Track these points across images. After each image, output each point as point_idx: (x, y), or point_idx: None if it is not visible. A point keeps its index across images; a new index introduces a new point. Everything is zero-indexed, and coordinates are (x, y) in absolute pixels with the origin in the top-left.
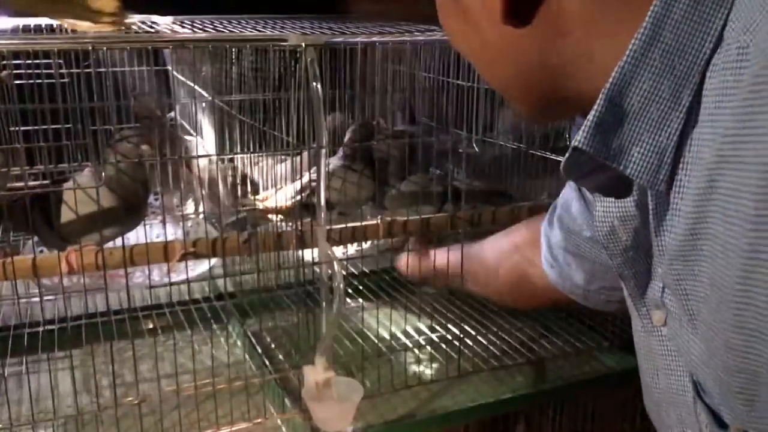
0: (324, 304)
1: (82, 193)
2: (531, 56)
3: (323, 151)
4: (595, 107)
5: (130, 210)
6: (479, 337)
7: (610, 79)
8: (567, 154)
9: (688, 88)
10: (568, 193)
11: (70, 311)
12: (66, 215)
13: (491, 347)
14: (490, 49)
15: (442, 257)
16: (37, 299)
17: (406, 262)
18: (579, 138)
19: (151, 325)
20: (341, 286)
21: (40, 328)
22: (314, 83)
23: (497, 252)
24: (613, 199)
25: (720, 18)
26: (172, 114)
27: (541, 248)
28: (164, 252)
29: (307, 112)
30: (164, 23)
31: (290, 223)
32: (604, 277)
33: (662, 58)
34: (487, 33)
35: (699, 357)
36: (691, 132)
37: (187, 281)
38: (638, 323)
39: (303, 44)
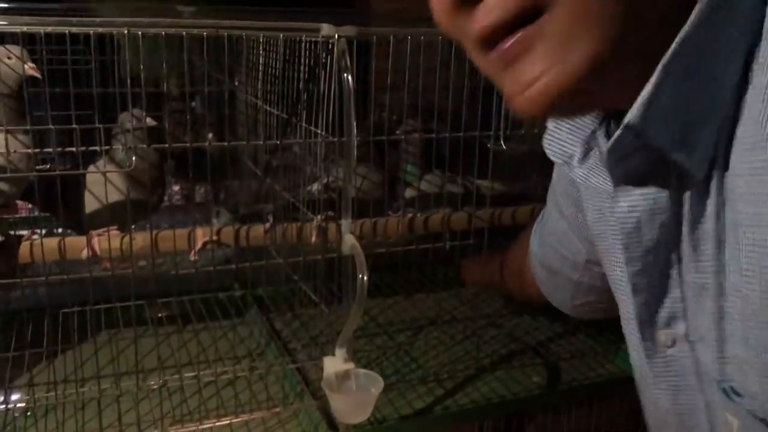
0: (346, 296)
1: (99, 179)
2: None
3: (353, 143)
4: (653, 79)
5: (142, 196)
6: (496, 336)
7: (673, 46)
8: (617, 134)
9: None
10: (552, 214)
11: (91, 295)
12: (88, 200)
13: (508, 346)
14: None
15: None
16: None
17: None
18: (632, 115)
19: (164, 314)
20: (365, 278)
21: (64, 310)
22: (345, 75)
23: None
24: (641, 192)
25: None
26: (194, 103)
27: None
28: (188, 239)
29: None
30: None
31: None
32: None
33: (727, 22)
34: None
35: (737, 359)
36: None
37: (214, 268)
38: (637, 349)
39: (336, 35)
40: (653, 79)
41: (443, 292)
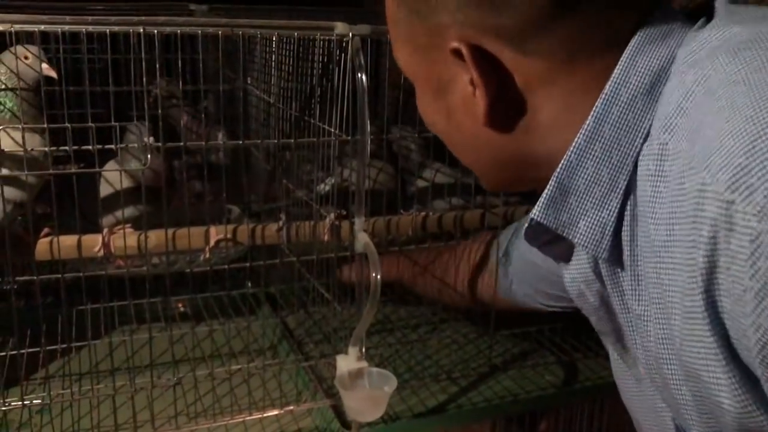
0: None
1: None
2: (507, 151)
3: (367, 141)
4: (548, 188)
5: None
6: (510, 334)
7: (560, 165)
8: (526, 225)
9: (623, 174)
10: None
11: (106, 292)
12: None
13: (521, 344)
14: (470, 141)
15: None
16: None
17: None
18: (535, 212)
19: (182, 309)
20: (378, 277)
21: (79, 307)
22: (359, 73)
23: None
24: (575, 267)
25: (648, 118)
26: (205, 102)
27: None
28: (203, 237)
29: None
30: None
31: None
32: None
33: (602, 150)
34: (467, 129)
35: (675, 404)
36: (632, 209)
37: (227, 266)
38: (626, 372)
39: (350, 33)
40: (548, 187)
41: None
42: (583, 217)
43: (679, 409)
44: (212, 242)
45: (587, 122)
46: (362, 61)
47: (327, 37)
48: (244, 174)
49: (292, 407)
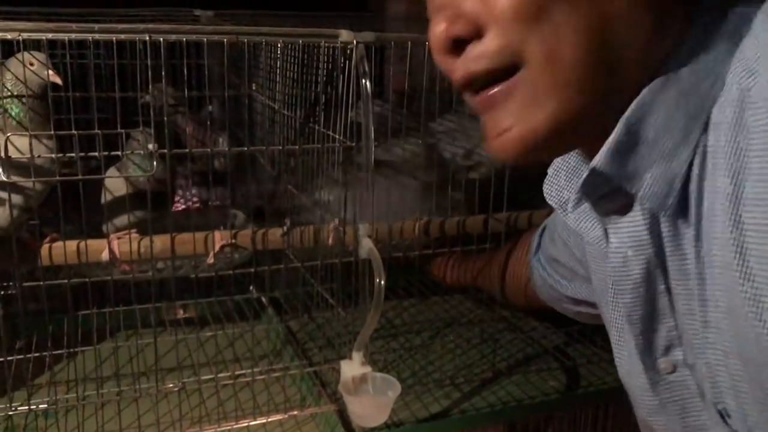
0: (363, 299)
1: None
2: (628, 51)
3: (371, 147)
4: (615, 132)
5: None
6: (513, 339)
7: (630, 108)
8: (583, 178)
9: (699, 123)
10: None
11: (112, 297)
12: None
13: (524, 350)
14: (595, 21)
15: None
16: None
17: (442, 266)
18: (597, 159)
19: (186, 314)
20: (382, 282)
21: (84, 312)
22: (363, 80)
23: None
24: (627, 229)
25: (727, 65)
26: (210, 108)
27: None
28: (206, 242)
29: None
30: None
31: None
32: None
33: (678, 95)
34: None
35: (730, 384)
36: (702, 162)
37: (232, 271)
38: (641, 380)
39: (354, 40)
40: (615, 132)
41: (459, 295)
42: (649, 168)
43: (737, 387)
44: (217, 247)
45: (668, 63)
46: (366, 68)
47: (331, 45)
48: (249, 179)
49: (296, 412)
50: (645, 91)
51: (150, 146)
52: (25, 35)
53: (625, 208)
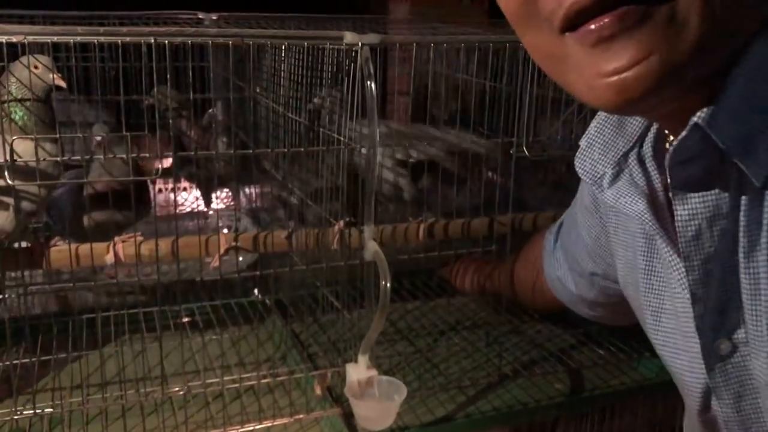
0: (369, 302)
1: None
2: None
3: (376, 149)
4: (727, 89)
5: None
6: (518, 343)
7: (742, 62)
8: (684, 133)
9: None
10: (571, 232)
11: (116, 301)
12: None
13: (530, 353)
14: None
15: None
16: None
17: (455, 272)
18: (702, 115)
19: (188, 319)
20: (388, 285)
21: (86, 316)
22: (368, 82)
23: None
24: (701, 199)
25: None
26: (212, 110)
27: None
28: (210, 245)
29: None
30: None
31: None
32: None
33: None
34: None
35: None
36: None
37: (237, 274)
38: (696, 362)
39: (359, 43)
40: (728, 89)
41: (464, 298)
42: (763, 140)
43: None
44: (222, 250)
45: None
46: (371, 70)
47: (336, 47)
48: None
49: (301, 416)
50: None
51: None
52: (30, 38)
53: (707, 177)
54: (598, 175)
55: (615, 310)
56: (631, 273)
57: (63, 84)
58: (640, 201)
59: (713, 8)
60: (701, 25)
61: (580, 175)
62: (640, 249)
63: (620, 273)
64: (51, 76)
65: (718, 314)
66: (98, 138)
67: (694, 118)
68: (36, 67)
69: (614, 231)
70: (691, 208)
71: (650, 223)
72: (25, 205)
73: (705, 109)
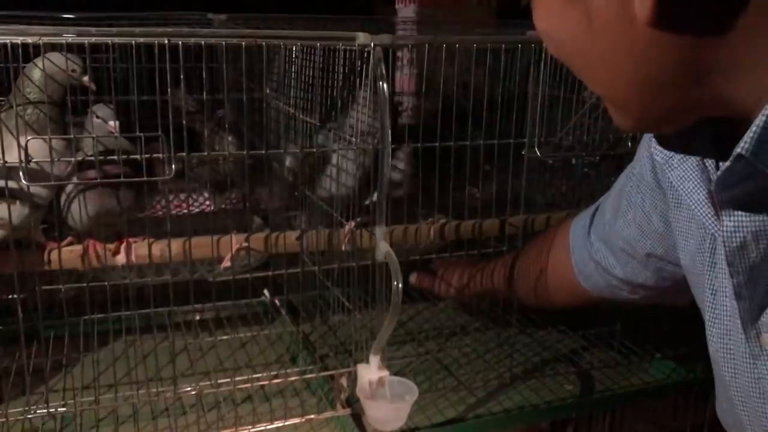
0: (381, 303)
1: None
2: (675, 59)
3: (388, 150)
4: (764, 113)
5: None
6: (529, 344)
7: None
8: (728, 163)
9: None
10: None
11: (126, 301)
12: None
13: (540, 354)
14: (617, 52)
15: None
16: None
17: (438, 279)
18: (744, 146)
19: (198, 318)
20: (400, 286)
21: (96, 316)
22: (380, 83)
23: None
24: (747, 214)
25: None
26: (221, 112)
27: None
28: (221, 246)
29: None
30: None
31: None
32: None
33: None
34: (617, 35)
35: None
36: None
37: (249, 275)
38: (741, 347)
39: (372, 43)
40: (765, 114)
41: (474, 299)
42: None
43: None
44: (233, 250)
45: None
46: (383, 71)
47: (348, 47)
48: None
49: (312, 416)
50: None
51: (111, 123)
52: (45, 39)
53: (754, 197)
54: (669, 154)
55: (659, 293)
56: (690, 252)
57: (93, 87)
58: (701, 191)
59: (639, 113)
60: (635, 117)
61: (652, 152)
62: (697, 230)
63: (682, 248)
64: (88, 78)
65: (761, 310)
66: (112, 123)
67: (738, 149)
68: (74, 71)
69: (675, 207)
70: (737, 221)
71: (704, 217)
72: (34, 203)
73: (747, 141)
